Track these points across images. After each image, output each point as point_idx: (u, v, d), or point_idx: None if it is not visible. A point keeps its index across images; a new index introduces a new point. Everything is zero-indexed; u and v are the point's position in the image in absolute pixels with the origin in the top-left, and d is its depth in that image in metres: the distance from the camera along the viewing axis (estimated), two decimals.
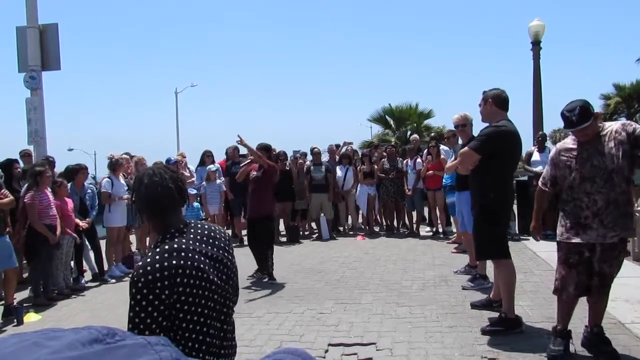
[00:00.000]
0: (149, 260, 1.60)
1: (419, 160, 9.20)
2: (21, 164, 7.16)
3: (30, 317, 5.19)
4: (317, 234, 9.78)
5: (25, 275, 6.57)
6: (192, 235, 1.69)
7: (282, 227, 9.97)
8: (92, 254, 7.01)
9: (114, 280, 6.82)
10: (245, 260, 6.19)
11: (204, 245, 1.69)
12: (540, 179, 3.65)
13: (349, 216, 10.46)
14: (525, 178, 8.70)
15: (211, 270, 1.67)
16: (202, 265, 1.63)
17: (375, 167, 9.82)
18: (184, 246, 1.64)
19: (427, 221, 10.02)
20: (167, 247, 1.62)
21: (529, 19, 11.84)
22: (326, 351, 3.75)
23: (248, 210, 6.65)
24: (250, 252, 6.49)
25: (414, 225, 9.58)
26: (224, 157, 10.08)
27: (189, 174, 9.04)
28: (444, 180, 7.59)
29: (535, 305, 4.59)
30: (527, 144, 8.87)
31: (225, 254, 1.77)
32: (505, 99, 4.09)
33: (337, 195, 9.87)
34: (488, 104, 4.04)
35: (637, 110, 22.78)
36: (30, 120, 8.00)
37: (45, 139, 8.14)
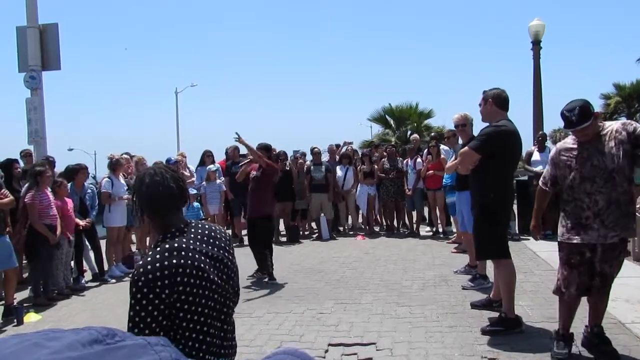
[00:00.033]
0: (149, 259, 1.60)
1: (419, 160, 9.19)
2: (21, 164, 7.17)
3: (30, 317, 5.19)
4: (317, 234, 9.78)
5: (25, 275, 6.58)
6: (192, 235, 1.69)
7: (282, 227, 9.98)
8: (92, 254, 7.01)
9: (114, 280, 6.82)
10: (245, 260, 6.18)
11: (204, 245, 1.69)
12: (541, 178, 3.65)
13: (349, 216, 10.46)
14: (526, 178, 8.70)
15: (211, 269, 1.67)
16: (202, 265, 1.63)
17: (376, 167, 9.82)
18: (184, 245, 1.64)
19: (427, 221, 10.01)
20: (167, 246, 1.63)
21: (529, 18, 11.86)
22: (326, 351, 3.75)
23: (248, 210, 6.66)
24: (250, 252, 6.49)
25: (414, 225, 9.58)
26: (224, 157, 10.09)
27: (188, 174, 9.04)
28: (444, 180, 7.59)
29: (535, 305, 4.59)
30: (527, 144, 8.88)
31: (226, 254, 1.77)
32: (506, 99, 4.09)
33: (337, 195, 9.87)
34: (488, 103, 4.04)
35: (638, 109, 22.77)
36: (31, 120, 8.00)
37: (46, 139, 8.14)
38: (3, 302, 5.49)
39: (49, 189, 5.89)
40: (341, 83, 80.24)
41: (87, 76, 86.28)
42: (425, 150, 9.12)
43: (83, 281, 6.62)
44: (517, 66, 49.67)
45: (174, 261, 1.58)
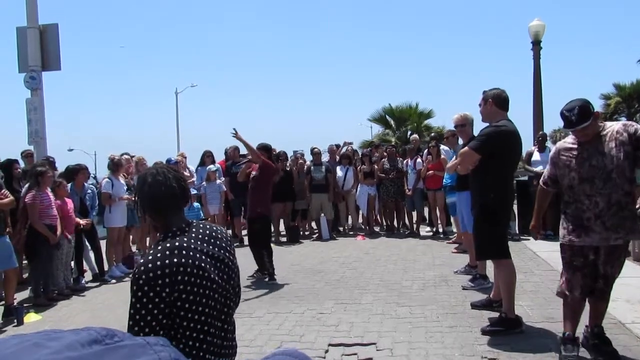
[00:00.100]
0: (150, 257, 1.60)
1: (419, 160, 9.20)
2: (21, 165, 7.17)
3: (31, 318, 5.19)
4: (317, 234, 9.79)
5: (25, 275, 6.58)
6: (194, 235, 1.70)
7: (282, 227, 9.98)
8: (92, 254, 7.01)
9: (114, 281, 6.82)
10: (245, 261, 6.18)
11: (205, 245, 1.70)
12: (542, 178, 3.64)
13: (349, 216, 10.46)
14: (526, 178, 8.70)
15: (212, 269, 1.67)
16: (203, 264, 1.63)
17: (376, 167, 9.83)
18: (185, 245, 1.64)
19: (427, 221, 10.02)
20: (168, 245, 1.63)
21: (529, 19, 11.86)
22: (326, 351, 3.75)
23: (247, 209, 6.67)
24: (250, 252, 6.50)
25: (414, 226, 9.58)
26: (223, 157, 10.10)
27: (188, 174, 9.05)
28: (444, 180, 7.59)
29: (536, 305, 4.59)
30: (527, 144, 8.88)
31: (227, 254, 1.77)
32: (506, 99, 4.09)
33: (337, 196, 9.87)
34: (488, 103, 4.04)
35: (638, 110, 22.79)
36: (31, 120, 8.00)
37: (46, 139, 8.14)
38: (3, 302, 5.49)
39: (49, 189, 5.89)
40: (341, 83, 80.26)
41: (87, 76, 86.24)
42: (425, 151, 9.13)
43: (83, 281, 6.62)
44: (517, 66, 49.71)
45: (175, 260, 1.59)
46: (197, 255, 1.64)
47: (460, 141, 5.72)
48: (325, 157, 10.54)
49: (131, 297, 1.58)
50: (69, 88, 78.96)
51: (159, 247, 1.63)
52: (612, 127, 3.19)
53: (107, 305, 5.61)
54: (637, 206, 3.11)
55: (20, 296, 5.86)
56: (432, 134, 10.77)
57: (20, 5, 8.08)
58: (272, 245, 6.76)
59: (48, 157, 7.55)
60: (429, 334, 3.99)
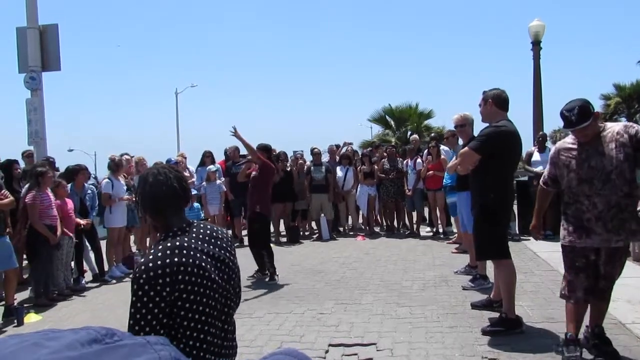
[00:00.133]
0: (151, 257, 1.60)
1: (419, 160, 9.20)
2: (22, 165, 7.18)
3: (31, 318, 5.19)
4: (317, 235, 9.78)
5: (25, 276, 6.58)
6: (194, 235, 1.70)
7: (282, 227, 9.98)
8: (92, 255, 7.01)
9: (114, 281, 6.82)
10: (245, 261, 6.18)
11: (206, 245, 1.70)
12: (542, 177, 3.64)
13: (349, 216, 10.46)
14: (526, 178, 8.70)
15: (213, 269, 1.67)
16: (203, 264, 1.63)
17: (376, 167, 9.83)
18: (186, 244, 1.64)
19: (427, 221, 10.02)
20: (169, 244, 1.63)
21: (529, 19, 11.88)
22: (326, 351, 3.75)
23: (247, 209, 6.67)
24: (250, 252, 6.50)
25: (414, 226, 9.58)
26: (223, 157, 10.10)
27: (188, 175, 9.05)
28: (444, 181, 7.59)
29: (536, 305, 4.59)
30: (527, 144, 8.88)
31: (228, 255, 1.77)
32: (505, 99, 4.09)
33: (337, 196, 9.87)
34: (488, 104, 4.04)
35: (638, 110, 22.79)
36: (31, 121, 8.00)
37: (46, 139, 8.14)
38: (3, 302, 5.49)
39: (50, 190, 5.89)
40: (341, 83, 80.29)
41: (87, 77, 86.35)
42: (425, 151, 9.13)
43: (83, 282, 6.62)
44: (517, 66, 49.81)
45: (176, 259, 1.59)
46: (198, 255, 1.64)
47: (460, 141, 5.71)
48: (325, 158, 10.55)
49: (132, 296, 1.58)
50: (68, 88, 79.07)
51: (160, 247, 1.63)
52: (613, 128, 3.16)
53: (107, 306, 5.61)
54: (639, 208, 3.09)
55: (21, 296, 5.86)
56: (432, 134, 10.77)
57: (20, 5, 8.09)
58: (272, 245, 6.76)
59: (48, 157, 7.55)
60: (429, 334, 3.99)
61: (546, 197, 3.64)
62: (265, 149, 6.56)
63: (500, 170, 3.95)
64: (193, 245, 1.65)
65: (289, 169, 9.66)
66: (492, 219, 3.97)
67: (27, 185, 5.97)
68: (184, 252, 1.62)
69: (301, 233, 9.84)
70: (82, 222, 6.47)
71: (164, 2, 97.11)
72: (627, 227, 3.13)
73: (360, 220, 10.40)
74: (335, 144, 10.87)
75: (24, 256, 6.46)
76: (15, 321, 5.09)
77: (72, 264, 6.55)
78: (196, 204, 8.76)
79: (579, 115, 3.07)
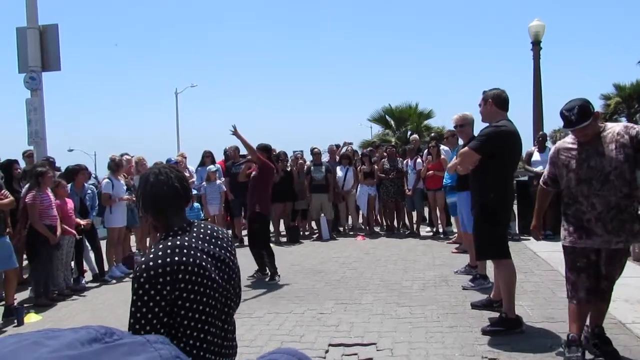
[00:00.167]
0: (151, 255, 1.60)
1: (419, 160, 9.20)
2: (22, 165, 7.18)
3: (31, 318, 5.19)
4: (317, 234, 9.79)
5: (25, 276, 6.58)
6: (195, 234, 1.71)
7: (282, 227, 9.98)
8: (92, 255, 7.01)
9: (114, 281, 6.82)
10: (245, 261, 6.19)
11: (206, 244, 1.70)
12: (542, 177, 3.63)
13: (349, 216, 10.47)
14: (526, 178, 8.70)
15: (213, 269, 1.67)
16: (204, 263, 1.64)
17: (376, 167, 9.83)
18: (186, 243, 1.65)
19: (427, 221, 10.02)
20: (169, 243, 1.64)
21: (529, 19, 11.89)
22: (326, 351, 3.75)
23: (247, 209, 6.68)
24: (250, 252, 6.50)
25: (414, 226, 9.58)
26: (223, 157, 10.11)
27: (188, 175, 9.05)
28: (444, 181, 7.59)
29: (536, 305, 4.59)
30: (527, 144, 8.88)
31: (228, 254, 1.78)
32: (505, 99, 4.09)
33: (337, 196, 9.87)
34: (488, 104, 4.04)
35: (638, 110, 22.80)
36: (31, 121, 8.00)
37: (46, 139, 8.13)
38: (3, 302, 5.49)
39: (50, 190, 5.89)
40: (341, 83, 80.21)
41: (87, 77, 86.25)
42: (425, 151, 9.13)
43: (83, 282, 6.62)
44: (517, 66, 49.76)
45: (176, 258, 1.59)
46: (198, 254, 1.64)
47: (461, 141, 5.71)
48: (325, 157, 10.55)
49: (132, 295, 1.58)
50: (68, 88, 79.00)
51: (160, 246, 1.64)
52: (613, 128, 3.15)
53: (107, 306, 5.61)
54: None
55: (21, 296, 5.87)
56: (432, 134, 10.77)
57: (20, 5, 8.09)
58: (272, 245, 6.76)
59: (48, 157, 7.55)
60: (429, 334, 3.99)
61: (546, 197, 3.64)
62: (265, 149, 6.55)
63: (500, 170, 3.95)
64: (194, 245, 1.66)
65: (289, 169, 9.66)
66: (492, 218, 3.97)
67: (27, 185, 5.97)
68: (185, 251, 1.62)
69: (301, 233, 9.84)
70: (83, 222, 6.46)
71: (164, 2, 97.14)
72: (627, 228, 3.11)
73: (360, 220, 10.40)
74: (335, 143, 10.88)
75: (24, 256, 6.46)
76: (15, 321, 5.09)
77: (72, 264, 6.55)
78: (196, 204, 8.77)
79: (578, 115, 3.06)
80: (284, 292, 5.63)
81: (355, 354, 3.67)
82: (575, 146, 3.24)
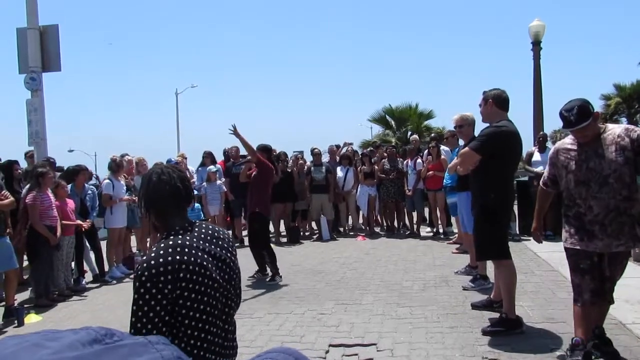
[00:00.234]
0: (153, 254, 1.61)
1: (419, 160, 9.20)
2: (23, 165, 7.18)
3: (31, 318, 5.19)
4: (317, 235, 9.78)
5: (25, 276, 6.58)
6: (196, 234, 1.71)
7: (282, 227, 9.98)
8: (92, 255, 7.02)
9: (114, 282, 6.82)
10: (245, 261, 6.18)
11: (207, 244, 1.71)
12: (542, 178, 3.62)
13: (350, 217, 10.46)
14: (526, 178, 8.70)
15: (214, 268, 1.68)
16: (205, 263, 1.64)
17: (376, 167, 9.83)
18: (187, 243, 1.65)
19: (427, 222, 10.02)
20: (171, 242, 1.64)
21: (529, 19, 11.87)
22: (327, 352, 3.75)
23: (247, 209, 6.68)
24: (250, 252, 6.50)
25: (415, 226, 9.58)
26: (222, 158, 10.12)
27: (188, 175, 9.05)
28: (444, 181, 7.59)
29: (536, 305, 4.59)
30: (528, 144, 8.88)
31: (229, 255, 1.78)
32: (506, 99, 4.09)
33: (337, 196, 9.87)
34: (488, 104, 4.04)
35: (638, 110, 22.81)
36: (31, 121, 7.99)
37: (46, 140, 8.13)
38: (4, 303, 5.49)
39: (50, 190, 5.90)
40: (341, 83, 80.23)
41: (87, 77, 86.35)
42: (426, 151, 9.13)
43: (83, 282, 6.62)
44: (517, 66, 49.78)
45: (178, 257, 1.60)
46: (199, 253, 1.65)
47: (461, 142, 5.71)
48: (325, 158, 10.55)
49: (134, 294, 1.58)
50: (69, 89, 79.06)
51: (162, 245, 1.64)
52: (614, 130, 3.12)
53: (107, 306, 5.61)
54: None
55: (21, 297, 5.87)
56: (432, 135, 10.77)
57: (20, 6, 8.09)
58: (272, 245, 6.75)
59: (49, 158, 7.55)
60: (429, 334, 3.99)
61: (546, 198, 3.62)
62: (265, 149, 6.55)
63: (500, 171, 3.95)
64: (195, 244, 1.66)
65: (289, 170, 9.66)
66: (493, 219, 3.97)
67: (27, 186, 5.97)
68: (186, 250, 1.62)
69: (301, 233, 9.84)
70: (84, 224, 6.44)
71: (164, 2, 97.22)
72: (626, 230, 3.08)
73: (361, 221, 10.40)
74: (335, 144, 10.89)
75: (24, 257, 6.46)
76: (16, 322, 5.09)
77: (73, 264, 6.55)
78: (197, 205, 8.77)
79: (578, 115, 3.03)
80: (284, 293, 5.63)
81: (356, 355, 3.67)
82: (574, 147, 3.22)
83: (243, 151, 8.73)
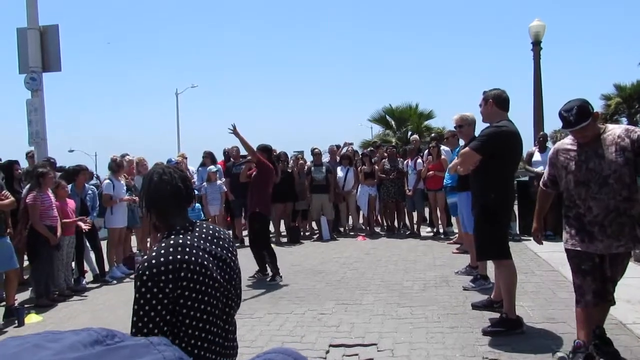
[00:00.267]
0: (154, 254, 1.61)
1: (419, 160, 9.20)
2: (23, 165, 7.19)
3: (31, 318, 5.19)
4: (317, 235, 9.78)
5: (26, 276, 6.58)
6: (197, 234, 1.72)
7: (283, 227, 9.98)
8: (93, 255, 7.02)
9: (115, 282, 6.82)
10: (246, 261, 6.18)
11: (208, 244, 1.71)
12: (542, 179, 3.62)
13: (350, 217, 10.47)
14: (526, 178, 8.70)
15: (215, 268, 1.68)
16: (205, 262, 1.64)
17: (376, 167, 9.83)
18: (188, 242, 1.66)
19: (427, 222, 10.02)
20: (172, 242, 1.65)
21: (529, 19, 11.86)
22: (327, 352, 3.75)
23: (247, 209, 6.69)
24: (250, 252, 6.50)
25: (415, 226, 9.58)
26: (223, 158, 10.12)
27: (188, 175, 9.05)
28: (444, 181, 7.59)
29: (536, 305, 4.59)
30: (528, 144, 8.88)
31: (229, 255, 1.79)
32: (506, 99, 4.09)
33: (337, 196, 9.88)
34: (489, 104, 4.04)
35: (638, 110, 22.80)
36: (31, 121, 8.00)
37: (46, 140, 8.14)
38: (4, 303, 5.50)
39: (50, 190, 5.90)
40: (341, 83, 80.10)
41: (87, 77, 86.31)
42: (426, 151, 9.13)
43: (84, 282, 6.63)
44: (517, 66, 49.73)
45: (179, 256, 1.60)
46: (200, 253, 1.65)
47: (461, 142, 5.71)
48: (325, 158, 10.55)
49: (135, 293, 1.59)
50: (69, 89, 79.05)
51: (163, 244, 1.65)
52: (614, 130, 3.10)
53: (107, 306, 5.61)
54: None
55: (21, 297, 5.87)
56: (433, 135, 10.77)
57: (20, 6, 8.10)
58: (272, 245, 6.75)
59: (49, 158, 7.55)
60: (429, 334, 3.99)
61: (547, 199, 3.61)
62: (265, 149, 6.56)
63: (500, 171, 3.95)
64: (196, 244, 1.67)
65: (290, 170, 9.66)
66: (493, 219, 3.97)
67: (27, 186, 5.98)
68: (187, 249, 1.63)
69: (302, 233, 9.84)
70: (84, 226, 6.42)
71: (165, 2, 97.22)
72: (626, 231, 3.07)
73: (361, 221, 10.40)
74: (335, 144, 10.89)
75: (25, 257, 6.46)
76: (16, 322, 5.09)
77: (73, 264, 6.55)
78: (197, 205, 8.77)
79: (577, 116, 3.01)
80: (285, 293, 5.63)
81: (356, 355, 3.67)
82: (574, 147, 3.20)
83: (244, 151, 8.74)
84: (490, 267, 4.92)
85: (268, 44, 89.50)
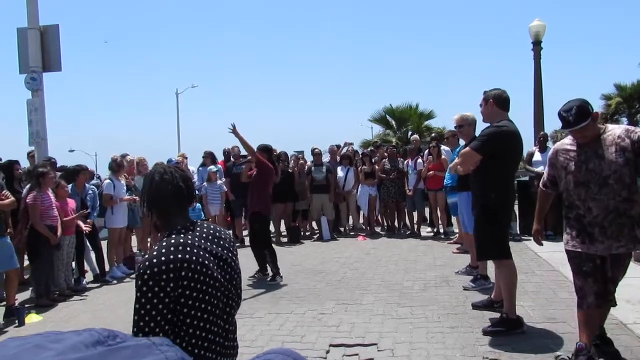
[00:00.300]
0: (155, 253, 1.62)
1: (419, 160, 9.20)
2: (24, 165, 7.19)
3: (32, 318, 5.19)
4: (318, 235, 9.79)
5: (26, 276, 6.58)
6: (198, 233, 1.72)
7: (283, 227, 9.98)
8: (93, 255, 7.02)
9: (115, 281, 6.82)
10: (246, 261, 6.18)
11: (209, 244, 1.71)
12: (542, 180, 3.61)
13: (350, 217, 10.47)
14: (527, 178, 8.70)
15: (215, 267, 1.68)
16: (206, 262, 1.65)
17: (376, 167, 9.83)
18: (189, 241, 1.66)
19: (428, 222, 10.02)
20: (173, 241, 1.65)
21: (529, 19, 11.86)
22: (327, 352, 3.75)
23: (248, 209, 6.69)
24: (251, 252, 6.50)
25: (415, 226, 9.58)
26: (223, 158, 10.11)
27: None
28: (445, 181, 7.59)
29: (537, 305, 4.59)
30: (528, 144, 8.88)
31: (230, 255, 1.79)
32: (506, 99, 4.09)
33: (338, 196, 9.88)
34: (489, 104, 4.04)
35: (638, 110, 22.79)
36: (32, 121, 8.00)
37: (47, 140, 8.13)
38: (4, 303, 5.50)
39: (50, 190, 5.90)
40: (342, 83, 80.00)
41: (87, 77, 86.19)
42: (426, 151, 9.13)
43: (84, 282, 6.63)
44: (517, 66, 49.62)
45: (179, 256, 1.60)
46: (201, 253, 1.66)
47: (462, 141, 5.71)
48: (326, 158, 10.55)
49: (136, 292, 1.59)
50: (69, 89, 78.99)
51: (164, 244, 1.65)
52: (614, 130, 3.09)
53: (108, 306, 5.61)
54: None
55: (22, 297, 5.87)
56: (433, 134, 10.77)
57: (20, 6, 8.10)
58: (273, 245, 6.75)
59: (49, 157, 7.55)
60: (430, 334, 3.99)
61: (547, 200, 3.59)
62: (265, 149, 6.56)
63: (501, 170, 3.95)
64: (196, 244, 1.67)
65: (290, 170, 9.66)
66: (493, 219, 3.97)
67: (28, 186, 5.98)
68: (188, 249, 1.63)
69: (302, 233, 9.84)
70: (84, 227, 6.42)
71: (165, 2, 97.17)
72: (626, 232, 3.05)
73: (361, 221, 10.40)
74: (335, 144, 10.89)
75: (25, 256, 6.47)
76: (16, 321, 5.09)
77: (73, 264, 6.55)
78: (197, 205, 8.76)
79: (576, 116, 3.00)
80: (285, 293, 5.63)
81: (356, 355, 3.67)
82: (574, 148, 3.19)
83: (242, 151, 8.74)
84: (491, 267, 4.92)
85: (268, 44, 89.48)
